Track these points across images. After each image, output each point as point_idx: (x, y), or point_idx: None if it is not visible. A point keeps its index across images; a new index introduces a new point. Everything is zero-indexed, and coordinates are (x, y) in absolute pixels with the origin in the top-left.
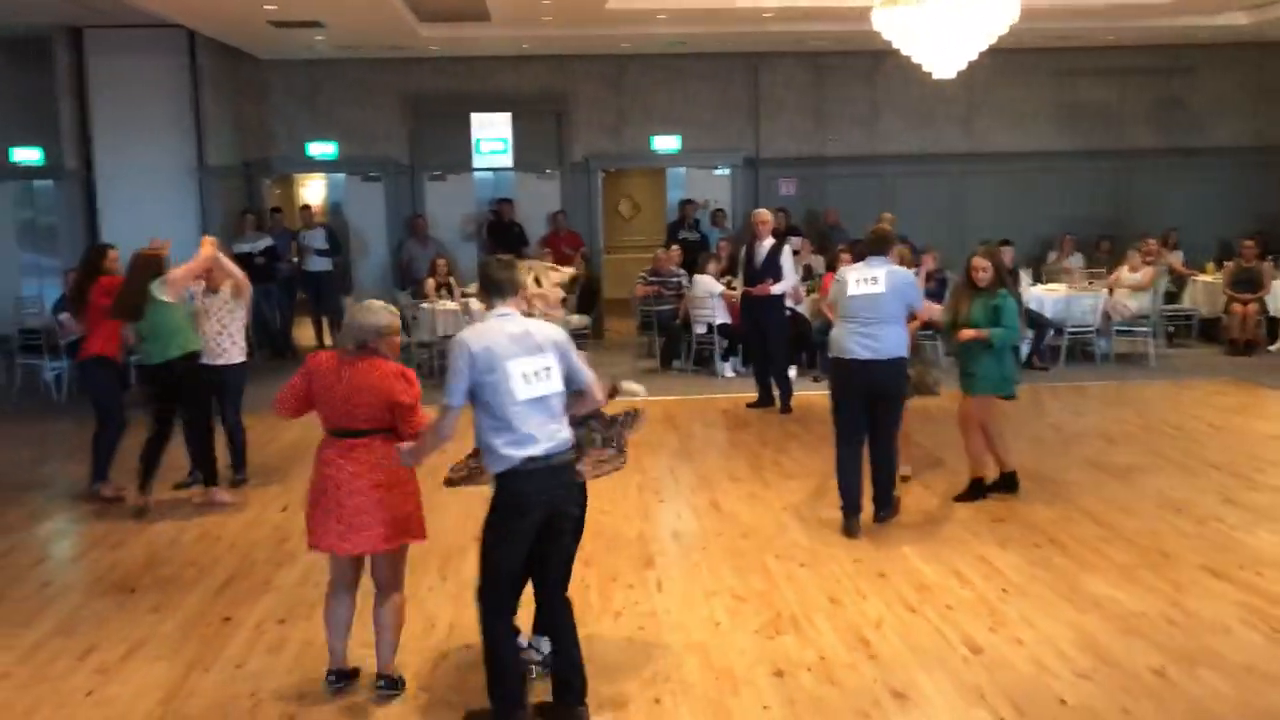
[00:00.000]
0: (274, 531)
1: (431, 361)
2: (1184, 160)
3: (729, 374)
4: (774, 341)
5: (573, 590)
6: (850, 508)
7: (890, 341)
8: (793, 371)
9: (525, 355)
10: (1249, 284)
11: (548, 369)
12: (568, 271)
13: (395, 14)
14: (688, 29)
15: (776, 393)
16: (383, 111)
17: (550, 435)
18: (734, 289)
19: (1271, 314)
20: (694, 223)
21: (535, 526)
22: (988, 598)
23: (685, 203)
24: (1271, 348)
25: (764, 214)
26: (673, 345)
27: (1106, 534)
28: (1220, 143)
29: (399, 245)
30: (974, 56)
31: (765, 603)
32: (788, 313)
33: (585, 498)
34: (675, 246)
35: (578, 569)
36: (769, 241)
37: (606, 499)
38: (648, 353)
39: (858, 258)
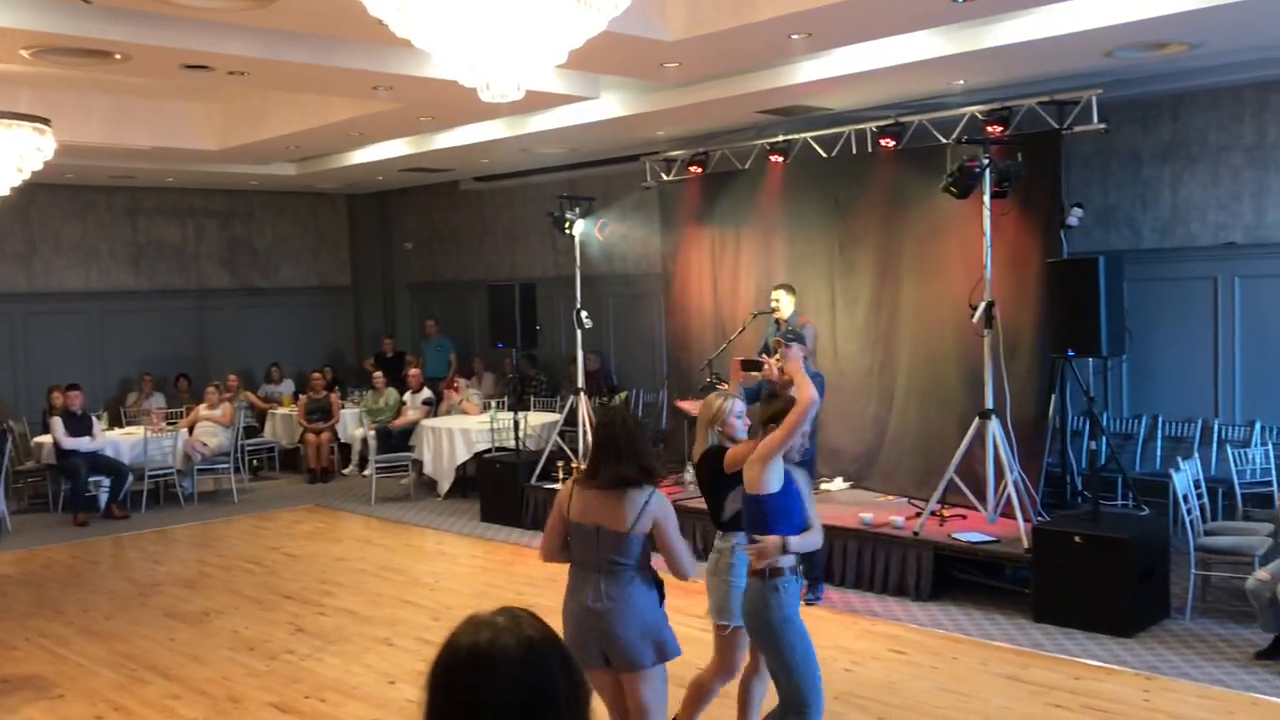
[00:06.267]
0: None
1: None
2: (257, 298)
3: None
4: None
5: None
6: None
7: None
8: None
9: None
10: (321, 414)
11: None
12: None
13: None
14: None
15: None
16: None
17: None
18: None
19: (344, 440)
20: None
21: None
22: None
23: None
24: (345, 471)
25: None
26: None
27: (177, 689)
28: (289, 283)
29: None
30: (5, 191)
31: None
32: None
33: None
34: None
35: None
36: None
37: None
38: None
39: None
